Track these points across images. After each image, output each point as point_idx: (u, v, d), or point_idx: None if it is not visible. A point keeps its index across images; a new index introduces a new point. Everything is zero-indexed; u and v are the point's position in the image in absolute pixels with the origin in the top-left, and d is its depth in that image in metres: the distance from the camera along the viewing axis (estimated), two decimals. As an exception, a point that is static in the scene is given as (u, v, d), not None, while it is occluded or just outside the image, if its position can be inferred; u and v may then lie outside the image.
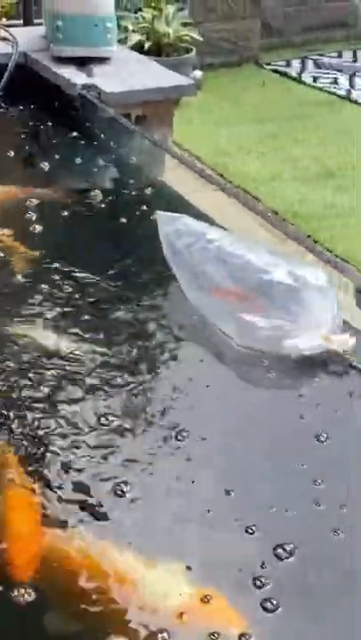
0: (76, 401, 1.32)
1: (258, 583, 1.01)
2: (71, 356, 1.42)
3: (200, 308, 1.49)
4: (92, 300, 1.60)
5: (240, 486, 1.16)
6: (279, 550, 1.05)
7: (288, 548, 1.05)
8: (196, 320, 1.49)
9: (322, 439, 1.24)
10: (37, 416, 1.28)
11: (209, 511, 1.12)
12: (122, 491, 1.14)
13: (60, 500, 1.13)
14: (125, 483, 1.16)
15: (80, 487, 1.16)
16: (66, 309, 1.57)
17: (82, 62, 2.86)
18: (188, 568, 1.03)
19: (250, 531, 1.08)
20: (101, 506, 1.13)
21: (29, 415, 1.28)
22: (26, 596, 0.99)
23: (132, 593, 1.00)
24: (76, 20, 2.84)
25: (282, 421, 1.31)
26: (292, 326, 1.36)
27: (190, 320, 1.51)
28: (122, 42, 4.39)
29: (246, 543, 1.08)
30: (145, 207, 1.93)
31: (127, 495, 1.14)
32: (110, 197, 2.06)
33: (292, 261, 1.45)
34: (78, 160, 2.29)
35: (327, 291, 1.39)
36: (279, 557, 1.05)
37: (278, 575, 1.03)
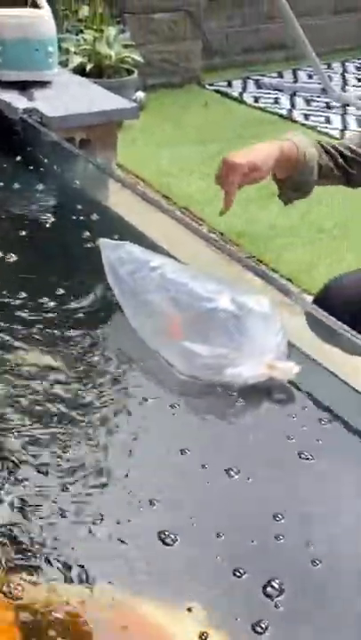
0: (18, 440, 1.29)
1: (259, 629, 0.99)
2: (13, 389, 1.40)
3: (144, 336, 1.49)
4: (28, 329, 1.56)
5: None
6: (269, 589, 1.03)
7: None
8: (140, 348, 1.48)
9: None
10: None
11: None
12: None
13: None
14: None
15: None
16: None
17: (23, 86, 2.86)
18: (189, 610, 0.99)
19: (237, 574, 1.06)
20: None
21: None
22: None
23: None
24: (17, 44, 2.84)
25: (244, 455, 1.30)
26: (235, 354, 1.36)
27: (134, 349, 1.50)
28: (63, 64, 4.39)
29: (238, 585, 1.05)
30: (88, 232, 1.93)
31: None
32: (53, 222, 2.05)
33: (235, 289, 1.46)
34: (19, 185, 2.27)
35: (271, 317, 1.40)
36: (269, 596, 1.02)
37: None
